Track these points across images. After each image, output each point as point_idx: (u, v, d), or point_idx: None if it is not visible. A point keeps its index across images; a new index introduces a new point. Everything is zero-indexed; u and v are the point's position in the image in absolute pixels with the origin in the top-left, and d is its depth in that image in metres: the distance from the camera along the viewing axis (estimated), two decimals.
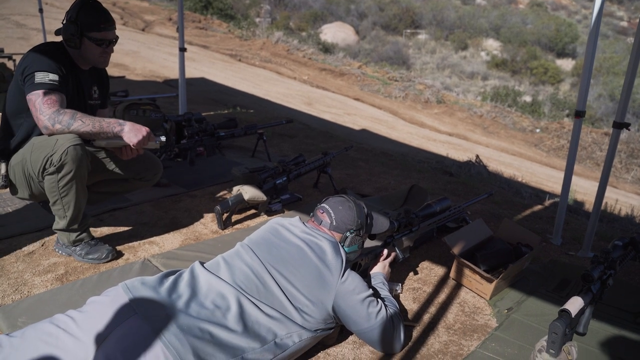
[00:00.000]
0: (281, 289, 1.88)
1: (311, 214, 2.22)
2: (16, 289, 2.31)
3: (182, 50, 5.26)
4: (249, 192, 3.16)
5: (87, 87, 2.69)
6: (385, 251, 2.46)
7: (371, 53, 25.15)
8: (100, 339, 1.57)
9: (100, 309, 1.68)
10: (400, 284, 2.53)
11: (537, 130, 14.92)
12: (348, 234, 2.10)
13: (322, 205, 2.19)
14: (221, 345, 1.64)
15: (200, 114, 4.58)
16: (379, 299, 2.04)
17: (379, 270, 2.39)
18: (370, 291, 1.99)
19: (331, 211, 2.13)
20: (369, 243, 2.72)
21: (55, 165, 2.29)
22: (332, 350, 2.04)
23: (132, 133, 2.38)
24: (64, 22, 2.49)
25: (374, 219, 2.29)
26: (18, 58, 6.83)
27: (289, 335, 1.80)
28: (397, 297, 2.47)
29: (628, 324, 2.34)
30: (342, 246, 2.06)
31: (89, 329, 1.60)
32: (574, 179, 3.40)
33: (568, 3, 41.44)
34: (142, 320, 1.61)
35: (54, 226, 2.54)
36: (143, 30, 19.28)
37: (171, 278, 1.87)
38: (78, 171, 2.35)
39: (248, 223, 3.24)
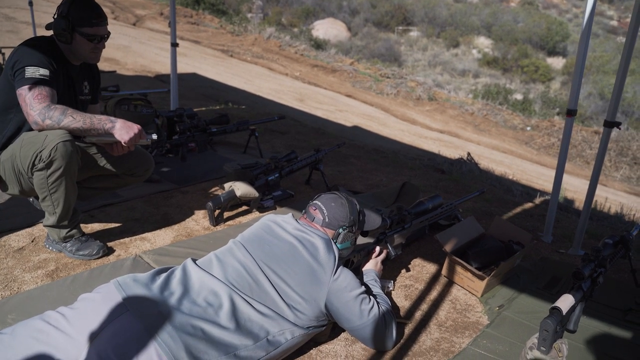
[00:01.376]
0: (273, 286, 1.87)
1: (303, 211, 2.21)
2: (6, 285, 2.29)
3: (174, 45, 5.22)
4: (241, 188, 3.15)
5: (78, 83, 2.66)
6: (378, 248, 2.46)
7: (363, 50, 25.15)
8: (92, 336, 1.56)
9: (92, 306, 1.67)
10: (392, 281, 2.53)
11: (528, 128, 15.00)
12: (340, 230, 2.10)
13: (314, 202, 2.18)
14: (214, 343, 1.64)
15: (192, 109, 4.56)
16: (371, 296, 2.04)
17: (371, 267, 2.40)
18: (363, 288, 2.00)
19: (323, 208, 2.12)
20: (361, 240, 2.73)
21: (44, 161, 2.26)
22: (324, 347, 2.04)
23: (123, 130, 2.36)
24: (55, 16, 2.47)
25: (366, 215, 2.29)
26: (7, 51, 6.77)
27: (282, 333, 1.80)
28: (389, 294, 2.48)
29: (617, 322, 2.36)
30: (335, 243, 2.06)
31: (80, 326, 1.59)
32: (564, 177, 3.42)
33: (559, 2, 41.63)
34: (134, 318, 1.60)
35: (44, 222, 2.52)
36: (134, 24, 19.13)
37: (163, 275, 1.86)
38: (68, 167, 2.33)
39: (240, 220, 3.23)
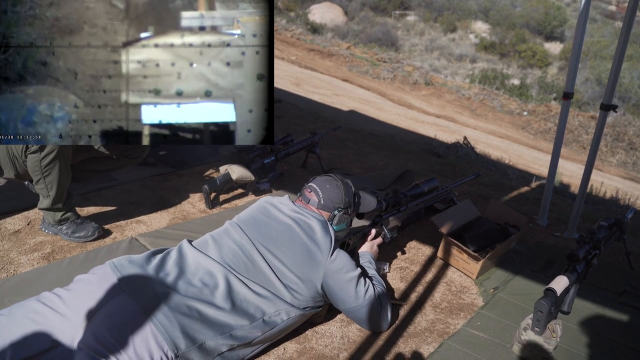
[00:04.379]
0: (270, 267, 1.88)
1: (299, 193, 2.21)
2: (2, 267, 2.29)
3: None
4: (236, 171, 3.14)
5: None
6: (374, 231, 2.46)
7: (360, 34, 24.95)
8: (88, 317, 1.57)
9: (88, 287, 1.67)
10: (387, 264, 2.54)
11: (525, 113, 14.98)
12: (336, 212, 2.10)
13: (309, 184, 2.18)
14: (209, 323, 1.64)
15: None
16: (367, 278, 2.05)
17: (367, 249, 2.40)
18: (359, 270, 2.00)
19: (319, 190, 2.12)
20: (357, 223, 2.73)
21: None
22: (320, 328, 2.05)
23: None
24: None
25: (362, 197, 2.29)
26: None
27: (278, 313, 1.80)
28: (384, 277, 2.49)
29: (611, 303, 2.38)
30: (331, 225, 2.06)
31: (76, 307, 1.60)
32: (560, 161, 3.42)
33: None
34: (129, 298, 1.60)
35: (39, 205, 2.51)
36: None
37: (159, 256, 1.86)
38: (61, 150, 2.32)
39: (236, 202, 3.23)
